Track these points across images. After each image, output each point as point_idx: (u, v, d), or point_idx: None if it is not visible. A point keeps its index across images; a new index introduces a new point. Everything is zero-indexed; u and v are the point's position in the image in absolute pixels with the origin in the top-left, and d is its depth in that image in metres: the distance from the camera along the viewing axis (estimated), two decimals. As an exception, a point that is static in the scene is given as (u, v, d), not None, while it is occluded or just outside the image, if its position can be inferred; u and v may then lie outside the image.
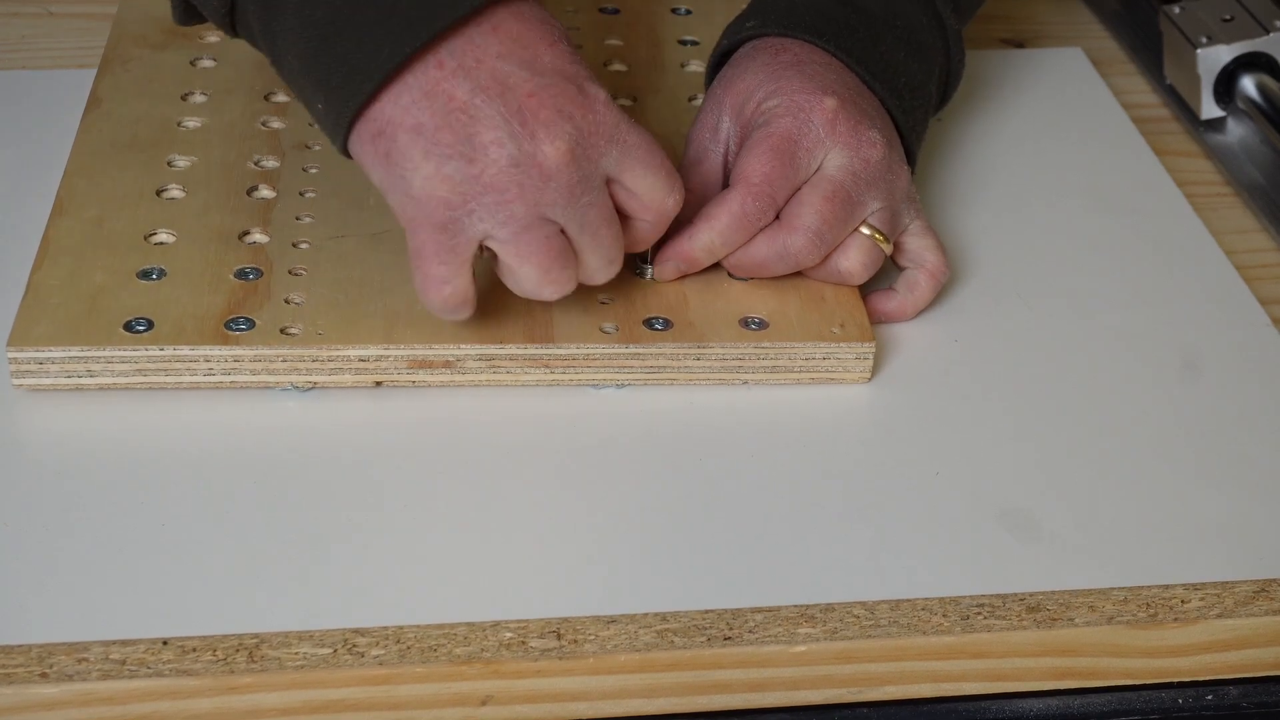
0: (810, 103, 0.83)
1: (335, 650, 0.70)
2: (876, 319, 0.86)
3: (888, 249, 0.84)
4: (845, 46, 0.87)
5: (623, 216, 0.80)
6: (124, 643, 0.69)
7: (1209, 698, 0.75)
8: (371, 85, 0.74)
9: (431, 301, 0.77)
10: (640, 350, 0.82)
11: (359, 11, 0.74)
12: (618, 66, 1.02)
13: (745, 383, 0.83)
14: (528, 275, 0.77)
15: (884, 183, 0.84)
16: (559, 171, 0.74)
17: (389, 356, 0.81)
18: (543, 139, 0.74)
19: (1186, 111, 1.06)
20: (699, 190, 0.86)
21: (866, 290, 0.87)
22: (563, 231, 0.77)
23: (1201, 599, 0.74)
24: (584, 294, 0.84)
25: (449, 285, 0.76)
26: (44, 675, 0.68)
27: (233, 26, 0.80)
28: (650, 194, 0.79)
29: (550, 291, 0.78)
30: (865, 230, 0.84)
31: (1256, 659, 0.74)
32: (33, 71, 1.03)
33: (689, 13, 1.07)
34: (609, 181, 0.78)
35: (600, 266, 0.79)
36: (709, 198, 0.85)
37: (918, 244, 0.87)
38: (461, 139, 0.74)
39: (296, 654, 0.69)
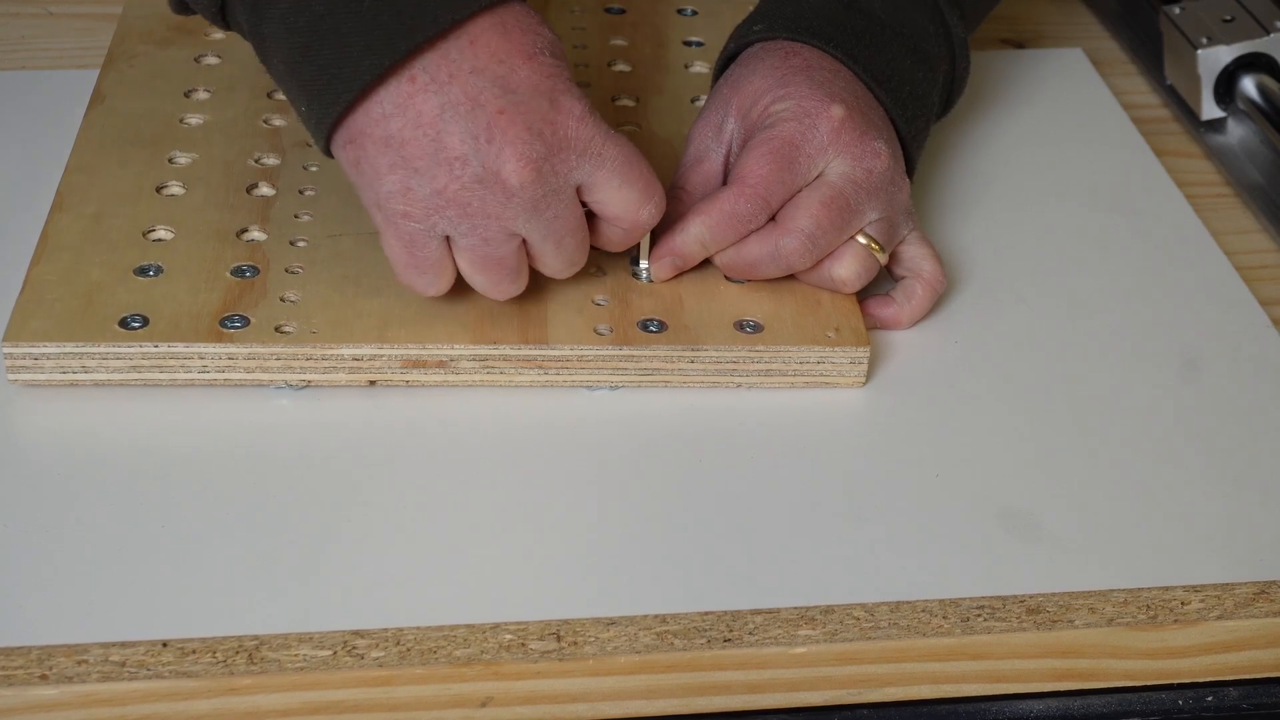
0: (818, 109, 0.83)
1: (335, 652, 0.70)
2: (872, 325, 0.86)
3: (883, 259, 0.84)
4: (852, 53, 0.87)
5: (598, 218, 0.81)
6: (124, 644, 0.69)
7: (1209, 699, 0.75)
8: (349, 95, 0.75)
9: (424, 296, 0.81)
10: (634, 352, 0.82)
11: (341, 22, 0.75)
12: (622, 66, 1.02)
13: (739, 385, 0.83)
14: (478, 282, 0.80)
15: (885, 194, 0.84)
16: (522, 189, 0.75)
17: (383, 356, 0.81)
18: (508, 157, 0.75)
19: (1187, 112, 1.06)
20: (698, 190, 0.86)
21: (864, 296, 0.87)
22: (525, 240, 0.78)
23: (1202, 601, 0.74)
24: (579, 295, 0.84)
25: (432, 288, 0.79)
26: (44, 677, 0.68)
27: (224, 21, 0.81)
28: (624, 206, 0.79)
29: (496, 296, 0.80)
30: (861, 239, 0.84)
31: (1256, 660, 0.74)
32: (33, 72, 1.03)
33: (695, 13, 1.07)
34: (584, 191, 0.78)
35: (560, 269, 0.81)
36: None
37: (914, 253, 0.87)
38: (428, 154, 0.75)
39: (296, 655, 0.69)
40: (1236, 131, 1.04)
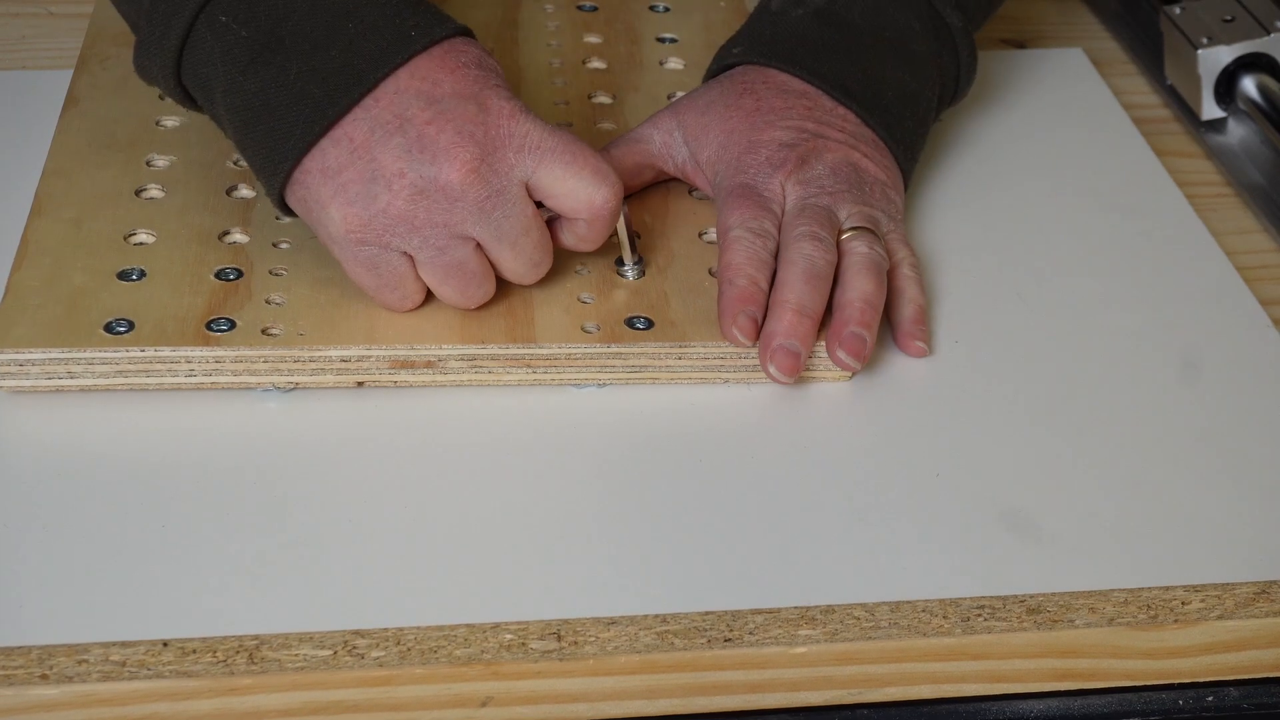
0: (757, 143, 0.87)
1: (335, 652, 0.70)
2: (919, 353, 0.86)
3: (884, 261, 0.85)
4: (821, 71, 0.89)
5: (560, 222, 0.82)
6: (124, 644, 0.69)
7: (1209, 699, 0.75)
8: (287, 165, 0.78)
9: (404, 312, 0.82)
10: (622, 350, 0.82)
11: (271, 97, 0.78)
12: (596, 64, 1.02)
13: (727, 381, 0.83)
14: (448, 294, 0.81)
15: (855, 191, 0.86)
16: (465, 191, 0.77)
17: (371, 357, 0.81)
18: (443, 163, 0.76)
19: (1187, 112, 1.06)
20: (621, 159, 0.89)
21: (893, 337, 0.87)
22: (480, 245, 0.79)
23: (1202, 600, 0.74)
24: (566, 293, 0.84)
25: (408, 301, 0.81)
26: (44, 677, 0.68)
27: (189, 98, 0.83)
28: (576, 195, 0.80)
29: (471, 304, 0.81)
30: (863, 248, 0.84)
31: (1257, 660, 0.74)
32: (33, 72, 1.03)
33: (667, 10, 1.07)
34: (534, 189, 0.79)
35: (524, 272, 0.81)
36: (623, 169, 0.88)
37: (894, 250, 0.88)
38: (366, 176, 0.77)
39: (297, 655, 0.69)
40: (1237, 131, 1.04)
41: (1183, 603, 0.74)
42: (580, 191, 0.80)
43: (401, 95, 0.77)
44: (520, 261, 0.80)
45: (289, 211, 0.81)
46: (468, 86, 0.78)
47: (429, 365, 0.81)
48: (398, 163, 0.77)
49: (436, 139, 0.77)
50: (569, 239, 0.82)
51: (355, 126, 0.77)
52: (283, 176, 0.78)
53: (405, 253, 0.79)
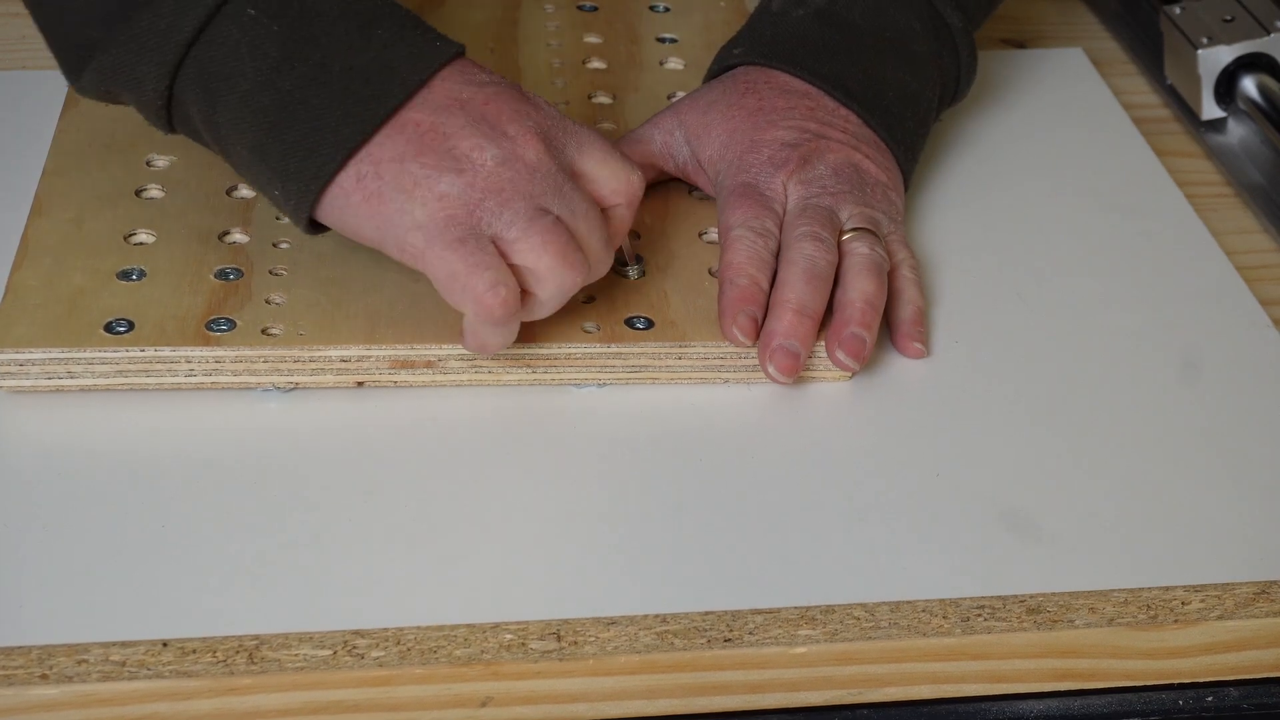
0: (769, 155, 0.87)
1: (335, 652, 0.70)
2: (916, 354, 0.86)
3: (885, 262, 0.85)
4: (822, 72, 0.89)
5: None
6: (124, 644, 0.69)
7: (1209, 699, 0.75)
8: (333, 165, 0.75)
9: (493, 312, 0.75)
10: (622, 350, 0.82)
11: (310, 95, 0.75)
12: (596, 64, 1.02)
13: (727, 381, 0.83)
14: (549, 265, 0.76)
15: (856, 192, 0.86)
16: (540, 162, 0.77)
17: (371, 357, 0.81)
18: (514, 135, 0.76)
19: (1187, 112, 1.06)
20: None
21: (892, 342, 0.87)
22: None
23: (1202, 600, 0.74)
24: None
25: (502, 286, 0.75)
26: (44, 676, 0.68)
27: (168, 118, 0.79)
28: (614, 177, 0.80)
29: (572, 275, 0.76)
30: (864, 249, 0.84)
31: (1257, 660, 0.74)
32: (33, 72, 1.03)
33: (667, 10, 1.07)
34: (575, 174, 0.79)
35: (600, 250, 0.78)
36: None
37: (894, 251, 0.88)
38: (445, 155, 0.75)
39: (296, 655, 0.69)
40: (1237, 131, 1.04)
41: (1183, 603, 0.74)
42: (620, 173, 0.80)
43: (450, 81, 0.77)
44: (595, 237, 0.78)
45: (314, 224, 0.78)
46: (501, 78, 0.79)
47: (429, 365, 0.81)
48: (473, 138, 0.75)
49: (499, 117, 0.76)
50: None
51: (415, 112, 0.76)
52: (325, 179, 0.75)
53: (493, 237, 0.75)
